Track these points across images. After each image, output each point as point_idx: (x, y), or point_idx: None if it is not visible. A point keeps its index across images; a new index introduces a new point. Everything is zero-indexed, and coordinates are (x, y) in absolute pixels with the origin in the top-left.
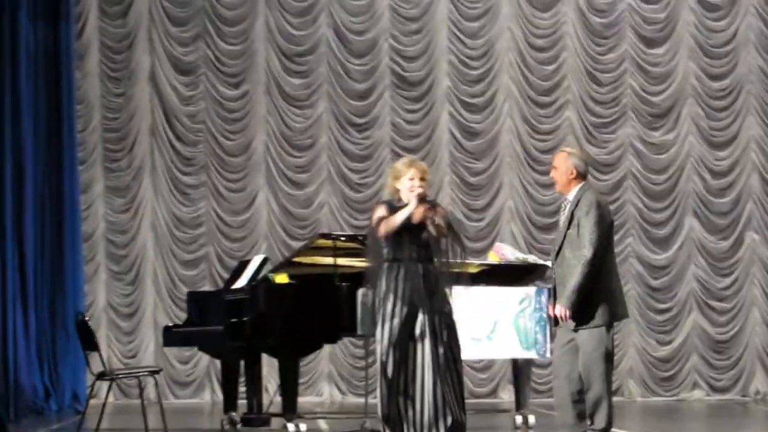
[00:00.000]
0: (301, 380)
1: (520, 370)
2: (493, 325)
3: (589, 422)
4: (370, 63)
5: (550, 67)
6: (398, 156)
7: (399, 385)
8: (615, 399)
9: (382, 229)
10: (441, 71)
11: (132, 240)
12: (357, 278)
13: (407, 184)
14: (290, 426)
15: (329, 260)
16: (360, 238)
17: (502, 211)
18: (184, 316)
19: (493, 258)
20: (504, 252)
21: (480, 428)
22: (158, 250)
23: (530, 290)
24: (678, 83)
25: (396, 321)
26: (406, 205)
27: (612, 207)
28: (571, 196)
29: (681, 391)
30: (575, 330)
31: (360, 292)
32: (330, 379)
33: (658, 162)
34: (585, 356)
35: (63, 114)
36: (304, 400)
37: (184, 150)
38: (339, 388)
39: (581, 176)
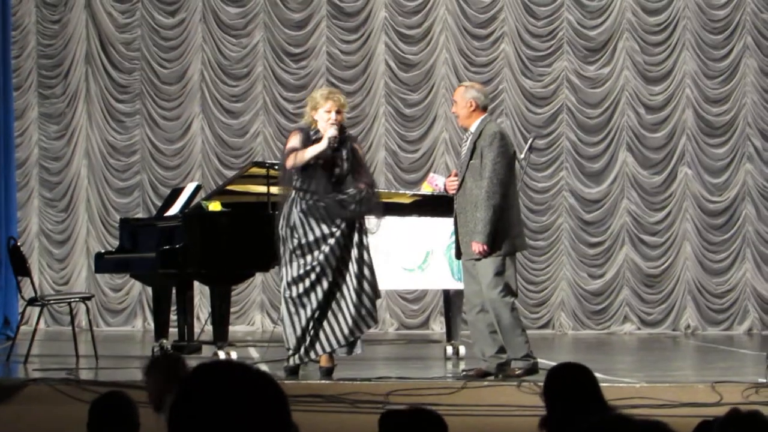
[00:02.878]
0: (233, 309)
1: (451, 301)
2: (425, 255)
3: (509, 354)
4: None
5: (487, 0)
6: (334, 87)
7: (315, 311)
8: (547, 332)
9: (290, 162)
10: (378, 2)
11: (66, 167)
12: None
13: (324, 117)
14: (221, 354)
15: (262, 188)
16: None
17: (436, 143)
18: (116, 243)
19: (426, 189)
20: (437, 183)
21: (411, 358)
22: (92, 178)
23: None
24: (614, 17)
25: (308, 249)
26: (320, 138)
27: (546, 140)
28: (473, 128)
29: (612, 324)
30: (477, 260)
31: None
32: (262, 308)
33: (593, 96)
34: (486, 286)
35: None
36: (235, 329)
37: (119, 77)
38: (270, 318)
39: (482, 108)
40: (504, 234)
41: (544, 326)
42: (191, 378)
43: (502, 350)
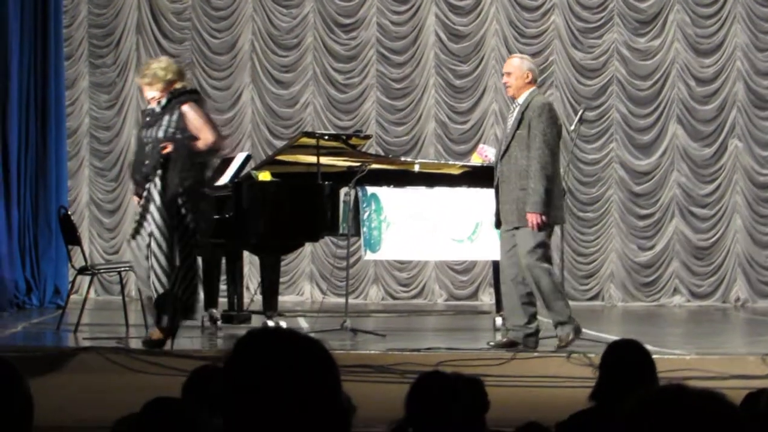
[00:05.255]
0: (282, 279)
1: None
2: (475, 226)
3: (551, 319)
4: None
5: None
6: (384, 57)
7: None
8: (596, 303)
9: None
10: None
11: (116, 136)
12: (340, 177)
13: None
14: (270, 323)
15: (312, 159)
16: (344, 137)
17: (486, 114)
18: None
19: (476, 160)
20: (487, 153)
21: (460, 329)
22: None
23: None
24: None
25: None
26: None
27: (596, 112)
28: (521, 99)
29: (662, 296)
30: (516, 229)
31: (342, 191)
32: (311, 278)
33: (644, 68)
34: (525, 254)
35: (49, 9)
36: (284, 299)
37: (169, 47)
38: (320, 288)
39: (534, 81)
40: (549, 205)
41: (594, 298)
42: (241, 344)
43: (531, 321)
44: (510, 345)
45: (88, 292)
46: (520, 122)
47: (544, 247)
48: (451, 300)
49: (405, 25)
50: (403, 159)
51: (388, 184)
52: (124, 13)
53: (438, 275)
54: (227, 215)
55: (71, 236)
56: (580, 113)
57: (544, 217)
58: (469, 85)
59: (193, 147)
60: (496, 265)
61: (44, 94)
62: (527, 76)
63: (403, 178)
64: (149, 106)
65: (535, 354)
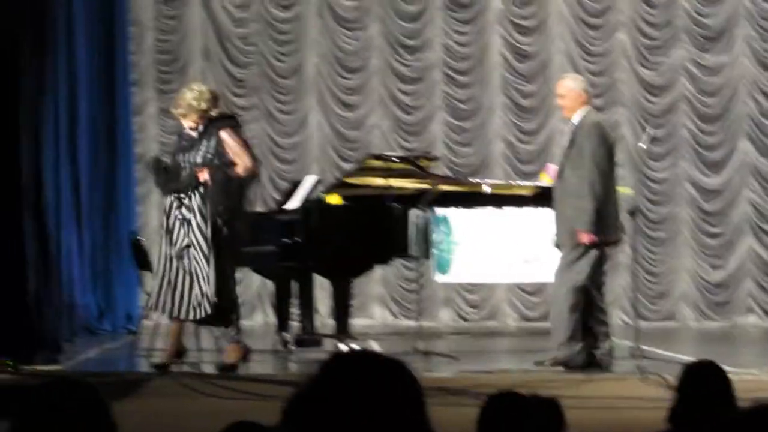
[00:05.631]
0: (353, 302)
1: None
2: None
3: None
4: None
5: None
6: (450, 78)
7: None
8: (669, 323)
9: None
10: None
11: None
12: (409, 199)
13: None
14: (342, 347)
15: (381, 181)
16: (412, 159)
17: (553, 133)
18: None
19: (544, 179)
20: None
21: (532, 350)
22: None
23: None
24: (731, 5)
25: None
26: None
27: (664, 130)
28: (575, 119)
29: (735, 315)
30: (572, 248)
31: (412, 213)
32: (382, 301)
33: (711, 84)
34: (558, 270)
35: (116, 36)
36: (355, 322)
37: (235, 71)
38: (390, 311)
39: (588, 100)
40: (599, 224)
41: (666, 318)
42: (328, 367)
43: (603, 340)
44: (558, 364)
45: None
46: (572, 142)
47: (586, 266)
48: (523, 321)
49: (470, 46)
50: (472, 180)
51: (458, 206)
52: (191, 39)
53: (509, 296)
54: (297, 239)
55: (142, 261)
56: (648, 132)
57: (593, 237)
58: (536, 105)
59: (231, 173)
60: None
61: (112, 121)
62: (581, 96)
63: (472, 199)
64: (185, 130)
65: (610, 375)
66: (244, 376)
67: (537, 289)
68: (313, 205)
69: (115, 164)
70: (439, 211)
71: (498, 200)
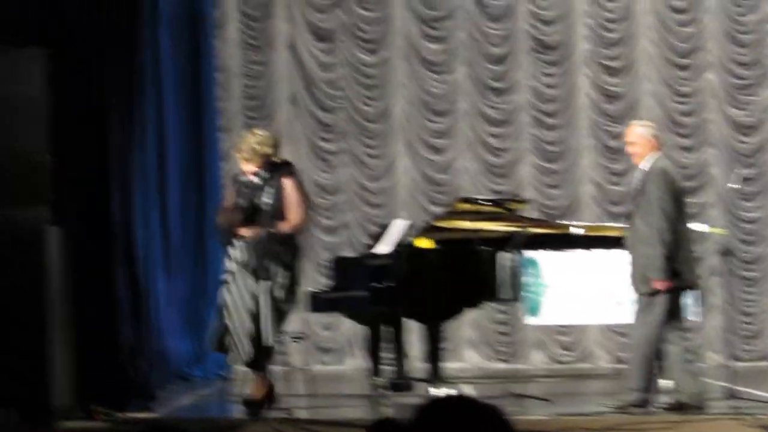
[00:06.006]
0: (444, 345)
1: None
2: None
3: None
4: (508, 27)
5: (690, 29)
6: (538, 121)
7: None
8: (764, 364)
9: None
10: (579, 34)
11: None
12: (498, 242)
13: None
14: (434, 391)
15: (471, 224)
16: (501, 202)
17: None
18: (327, 282)
19: None
20: None
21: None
22: None
23: None
24: None
25: None
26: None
27: (756, 170)
28: (645, 165)
29: None
30: (642, 295)
31: (502, 256)
32: (472, 344)
33: None
34: (639, 320)
35: (203, 82)
36: (447, 366)
37: (323, 116)
38: (482, 354)
39: (658, 146)
40: (672, 271)
41: (762, 358)
42: (425, 412)
43: (648, 384)
44: (679, 408)
45: None
46: (641, 189)
47: (661, 313)
48: (615, 363)
49: (558, 88)
50: (561, 222)
51: (547, 248)
52: (278, 84)
53: (601, 338)
54: (389, 283)
55: None
56: (738, 171)
57: (667, 283)
58: (624, 146)
59: (277, 233)
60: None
61: (201, 167)
62: (650, 143)
63: (562, 241)
64: (245, 178)
65: (705, 416)
66: (339, 420)
67: (629, 331)
68: (404, 249)
69: (204, 210)
70: (529, 253)
71: (587, 242)
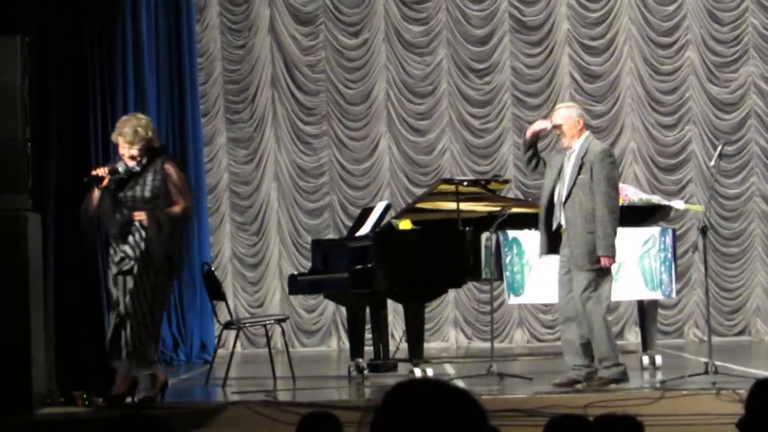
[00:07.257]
0: (426, 326)
1: (645, 311)
2: (618, 266)
3: (597, 358)
4: (489, 8)
5: (670, 8)
6: (519, 101)
7: None
8: (743, 338)
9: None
10: (560, 14)
11: (255, 191)
12: (480, 222)
13: None
14: (417, 371)
15: (452, 205)
16: (482, 182)
17: (624, 153)
18: (308, 264)
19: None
20: (627, 193)
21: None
22: (282, 200)
23: (655, 230)
24: None
25: None
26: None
27: (735, 146)
28: (576, 145)
29: None
30: (586, 271)
31: (483, 236)
32: (455, 324)
33: None
34: (581, 297)
35: (184, 67)
36: (429, 346)
37: (305, 100)
38: (464, 333)
39: (586, 126)
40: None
41: (740, 333)
42: (390, 397)
43: (591, 359)
44: (572, 383)
45: (234, 346)
46: (580, 168)
47: (599, 289)
48: None
49: (539, 68)
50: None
51: (529, 228)
52: (259, 68)
53: None
54: (370, 265)
55: (215, 291)
56: (719, 148)
57: (613, 260)
58: (606, 125)
59: (169, 214)
60: (641, 303)
61: (183, 152)
62: (578, 123)
63: None
64: (124, 164)
65: (684, 392)
66: (320, 402)
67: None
68: (384, 230)
69: None
70: (511, 233)
71: None
